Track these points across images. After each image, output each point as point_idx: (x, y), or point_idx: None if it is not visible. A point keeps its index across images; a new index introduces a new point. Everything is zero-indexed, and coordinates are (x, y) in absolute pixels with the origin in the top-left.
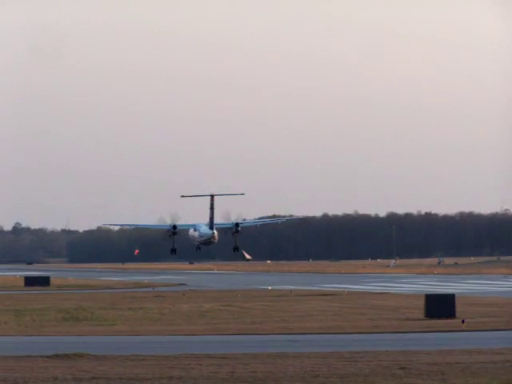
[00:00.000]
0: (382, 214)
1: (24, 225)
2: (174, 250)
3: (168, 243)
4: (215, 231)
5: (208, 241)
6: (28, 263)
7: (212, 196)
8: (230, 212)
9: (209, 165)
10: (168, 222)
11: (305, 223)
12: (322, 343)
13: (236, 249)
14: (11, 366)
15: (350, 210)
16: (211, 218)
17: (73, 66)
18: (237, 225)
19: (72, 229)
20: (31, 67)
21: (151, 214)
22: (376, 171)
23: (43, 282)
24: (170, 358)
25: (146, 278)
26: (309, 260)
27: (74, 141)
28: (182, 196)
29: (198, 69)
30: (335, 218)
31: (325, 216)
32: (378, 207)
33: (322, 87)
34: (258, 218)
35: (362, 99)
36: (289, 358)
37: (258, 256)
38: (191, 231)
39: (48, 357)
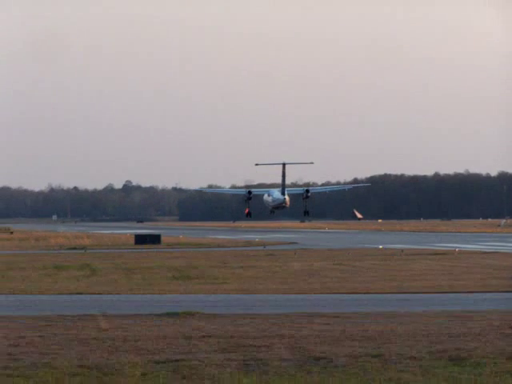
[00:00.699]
0: (493, 173)
1: (134, 183)
2: (249, 214)
3: (244, 206)
4: (287, 196)
5: (280, 205)
6: (138, 221)
7: (284, 164)
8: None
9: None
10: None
11: (416, 182)
12: (433, 302)
13: (306, 213)
14: (121, 325)
15: (461, 169)
16: (283, 185)
17: (74, 66)
18: (307, 191)
19: (183, 187)
20: (31, 67)
21: (230, 178)
22: (487, 130)
23: (154, 240)
24: (281, 316)
25: (257, 237)
26: (420, 219)
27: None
28: (257, 164)
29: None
30: (446, 177)
31: (436, 175)
32: (489, 166)
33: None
34: (370, 177)
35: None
36: (399, 316)
37: (370, 215)
38: (265, 196)
39: (158, 315)
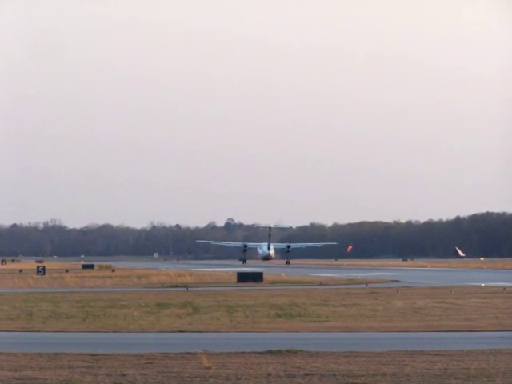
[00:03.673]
0: None
1: (237, 221)
2: (244, 261)
3: (241, 255)
4: (271, 250)
5: (267, 257)
6: (241, 259)
7: (270, 227)
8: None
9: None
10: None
11: None
12: None
13: (288, 262)
14: (223, 363)
15: None
16: (268, 242)
17: (74, 66)
18: (288, 246)
19: (285, 225)
20: (31, 67)
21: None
22: None
23: (256, 277)
24: (384, 354)
25: (359, 275)
26: None
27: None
28: (253, 224)
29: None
30: None
31: None
32: None
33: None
34: (472, 215)
35: None
36: (502, 354)
37: (472, 253)
38: (258, 249)
39: (261, 353)
